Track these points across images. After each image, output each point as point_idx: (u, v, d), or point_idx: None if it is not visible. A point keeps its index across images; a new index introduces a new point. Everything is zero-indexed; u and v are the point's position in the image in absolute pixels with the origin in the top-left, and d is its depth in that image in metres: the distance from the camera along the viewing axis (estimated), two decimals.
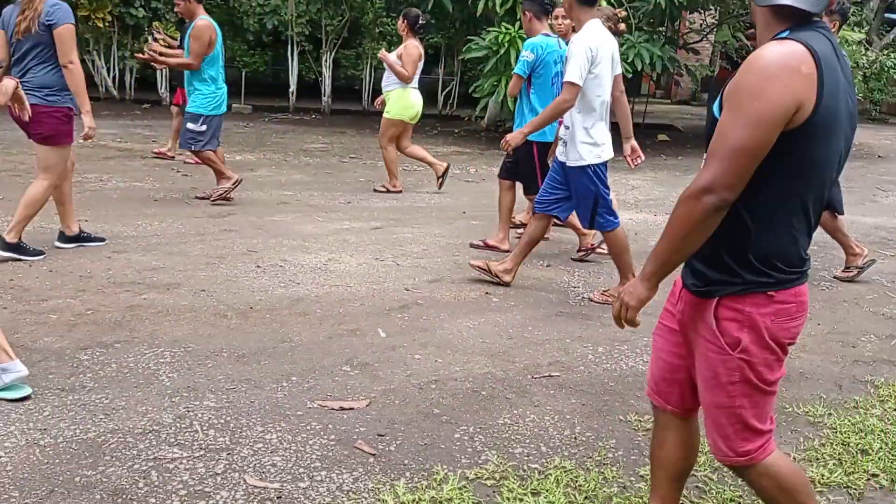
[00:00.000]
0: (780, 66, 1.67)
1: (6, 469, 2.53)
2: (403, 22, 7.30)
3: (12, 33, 4.60)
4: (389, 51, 8.03)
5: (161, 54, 6.86)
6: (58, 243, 5.04)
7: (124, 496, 2.43)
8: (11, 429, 2.78)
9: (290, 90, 14.12)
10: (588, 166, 4.41)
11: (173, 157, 8.68)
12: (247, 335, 3.79)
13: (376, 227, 6.06)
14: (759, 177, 1.72)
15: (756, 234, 1.79)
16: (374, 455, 2.77)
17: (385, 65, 7.39)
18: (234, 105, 14.36)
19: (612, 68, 4.48)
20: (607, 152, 4.48)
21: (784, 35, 1.75)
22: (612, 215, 4.53)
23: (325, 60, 13.88)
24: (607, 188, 4.53)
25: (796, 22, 1.76)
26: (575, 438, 3.01)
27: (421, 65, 7.32)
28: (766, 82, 1.66)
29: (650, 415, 3.19)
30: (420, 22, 7.23)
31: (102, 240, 5.20)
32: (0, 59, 4.63)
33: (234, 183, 6.60)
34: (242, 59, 14.47)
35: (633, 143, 4.94)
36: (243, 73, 14.50)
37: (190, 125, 6.43)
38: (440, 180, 7.58)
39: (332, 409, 3.09)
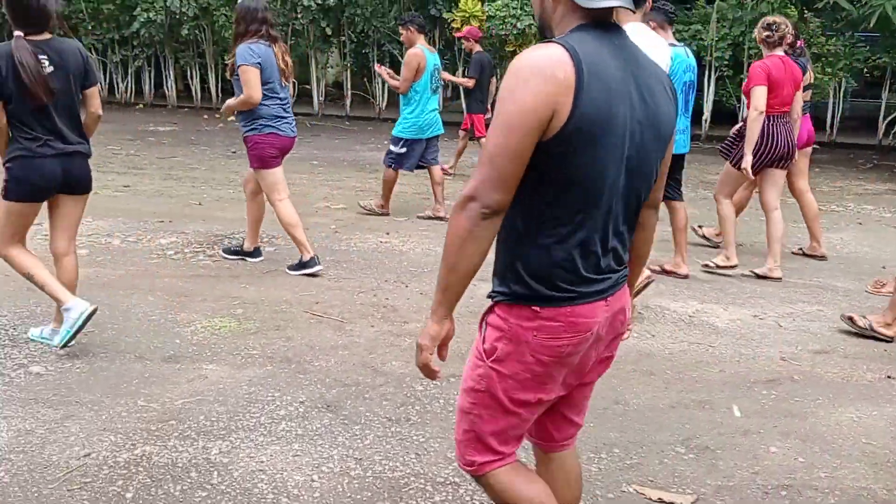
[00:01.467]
0: (534, 70, 1.59)
1: (314, 495, 2.61)
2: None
3: (277, 73, 4.87)
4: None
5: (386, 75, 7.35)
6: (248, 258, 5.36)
7: None
8: (333, 452, 2.89)
9: (704, 118, 13.44)
10: None
11: (452, 175, 8.99)
12: None
13: (761, 276, 5.28)
14: (524, 187, 1.65)
15: (525, 246, 1.71)
16: None
17: None
18: None
19: None
20: None
21: (561, 36, 1.68)
22: None
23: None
24: None
25: (587, 20, 1.69)
26: None
27: None
28: (518, 87, 1.59)
29: None
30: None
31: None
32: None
33: (381, 207, 6.95)
34: None
35: None
36: None
37: (392, 147, 6.74)
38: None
39: (650, 499, 2.64)
